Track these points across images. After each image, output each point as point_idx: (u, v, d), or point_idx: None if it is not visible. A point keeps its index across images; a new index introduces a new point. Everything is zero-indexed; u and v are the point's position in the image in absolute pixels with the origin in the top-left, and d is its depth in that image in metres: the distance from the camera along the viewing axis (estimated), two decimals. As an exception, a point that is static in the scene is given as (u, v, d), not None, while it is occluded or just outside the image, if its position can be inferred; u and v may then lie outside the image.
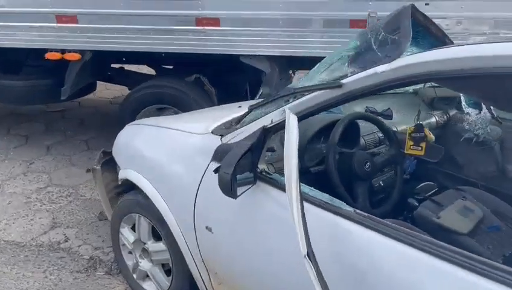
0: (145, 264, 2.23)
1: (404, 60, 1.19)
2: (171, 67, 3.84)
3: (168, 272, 2.13)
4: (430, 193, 1.77)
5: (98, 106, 5.19)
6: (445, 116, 2.22)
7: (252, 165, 1.45)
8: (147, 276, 2.25)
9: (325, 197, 1.32)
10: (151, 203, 1.99)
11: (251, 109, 1.76)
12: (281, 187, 1.37)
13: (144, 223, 2.15)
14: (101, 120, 4.76)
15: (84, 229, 2.92)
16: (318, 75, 1.56)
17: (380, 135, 1.96)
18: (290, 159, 1.26)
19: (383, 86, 1.24)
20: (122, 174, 2.22)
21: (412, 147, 1.82)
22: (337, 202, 1.30)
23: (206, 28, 2.92)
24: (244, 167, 1.41)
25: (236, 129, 1.70)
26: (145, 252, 2.22)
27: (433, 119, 2.18)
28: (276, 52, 2.89)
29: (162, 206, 1.93)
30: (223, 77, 3.51)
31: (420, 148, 1.81)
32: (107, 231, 2.82)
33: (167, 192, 1.92)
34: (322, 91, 1.41)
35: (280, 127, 1.48)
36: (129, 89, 4.06)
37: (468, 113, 2.05)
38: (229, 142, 1.66)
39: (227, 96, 3.45)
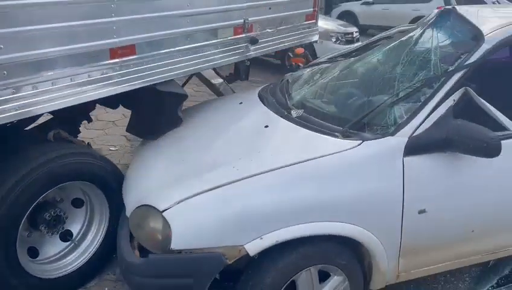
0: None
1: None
2: None
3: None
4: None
5: None
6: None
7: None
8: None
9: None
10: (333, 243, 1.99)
11: (388, 106, 2.14)
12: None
13: (314, 273, 2.01)
14: None
15: None
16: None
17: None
18: (504, 120, 2.02)
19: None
20: (265, 243, 1.85)
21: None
22: None
23: (122, 59, 2.31)
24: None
25: (405, 125, 2.05)
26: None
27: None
28: (191, 70, 2.74)
29: (365, 236, 1.98)
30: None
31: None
32: None
33: (365, 217, 1.98)
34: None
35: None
36: None
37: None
38: (420, 133, 2.02)
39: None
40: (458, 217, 2.16)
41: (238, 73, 4.04)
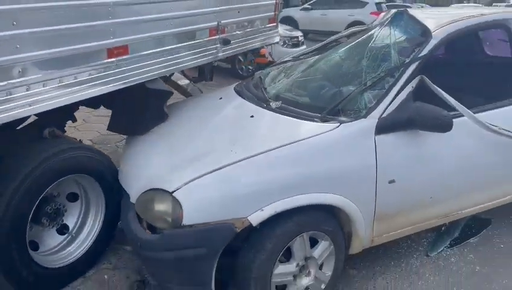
0: (306, 278, 2.37)
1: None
2: None
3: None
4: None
5: None
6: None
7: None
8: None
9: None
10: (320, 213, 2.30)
11: (358, 93, 2.49)
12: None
13: (306, 239, 2.30)
14: None
15: None
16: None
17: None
18: (453, 102, 2.44)
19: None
20: (265, 213, 2.11)
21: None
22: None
23: (117, 58, 2.49)
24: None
25: (374, 109, 2.40)
26: (303, 267, 2.34)
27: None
28: (174, 69, 2.95)
29: (346, 204, 2.30)
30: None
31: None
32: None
33: (346, 187, 2.30)
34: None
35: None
36: None
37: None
38: (387, 115, 2.38)
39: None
40: (419, 185, 2.55)
41: (203, 74, 4.28)
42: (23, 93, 2.02)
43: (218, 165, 2.19)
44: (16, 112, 2.00)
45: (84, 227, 2.71)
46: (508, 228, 3.28)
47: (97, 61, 2.38)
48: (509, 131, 2.60)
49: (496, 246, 3.08)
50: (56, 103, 2.20)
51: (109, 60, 2.45)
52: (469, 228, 3.24)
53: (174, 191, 2.11)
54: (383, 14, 3.46)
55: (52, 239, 2.63)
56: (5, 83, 1.92)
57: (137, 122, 2.96)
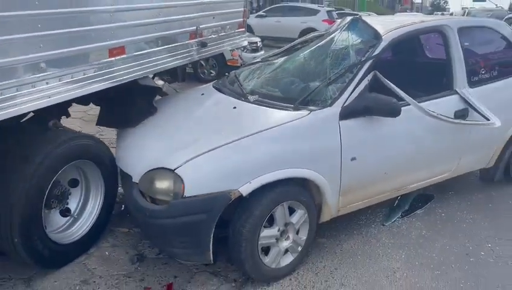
0: (286, 242, 2.80)
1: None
2: None
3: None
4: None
5: None
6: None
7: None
8: (286, 252, 2.82)
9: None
10: (296, 185, 2.76)
11: (324, 86, 2.97)
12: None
13: (286, 207, 2.73)
14: None
15: None
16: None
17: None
18: (400, 93, 2.98)
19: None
20: (253, 185, 2.52)
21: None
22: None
23: (116, 58, 2.84)
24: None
25: (338, 99, 2.90)
26: (283, 232, 2.78)
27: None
28: (161, 68, 3.32)
29: (318, 177, 2.76)
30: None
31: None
32: None
33: (317, 164, 2.75)
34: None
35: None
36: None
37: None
38: (348, 104, 2.88)
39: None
40: (375, 162, 3.05)
41: (176, 75, 4.64)
42: (44, 86, 2.34)
43: (211, 146, 2.59)
44: (39, 102, 2.32)
45: (85, 209, 3.01)
46: (448, 201, 3.89)
47: (100, 60, 2.72)
48: (444, 116, 3.18)
49: (438, 215, 3.67)
50: (68, 95, 2.52)
51: (110, 59, 2.79)
52: (416, 202, 3.81)
53: (176, 168, 2.49)
54: (339, 20, 3.99)
55: (56, 221, 2.91)
56: (32, 76, 2.24)
57: (129, 116, 3.29)
